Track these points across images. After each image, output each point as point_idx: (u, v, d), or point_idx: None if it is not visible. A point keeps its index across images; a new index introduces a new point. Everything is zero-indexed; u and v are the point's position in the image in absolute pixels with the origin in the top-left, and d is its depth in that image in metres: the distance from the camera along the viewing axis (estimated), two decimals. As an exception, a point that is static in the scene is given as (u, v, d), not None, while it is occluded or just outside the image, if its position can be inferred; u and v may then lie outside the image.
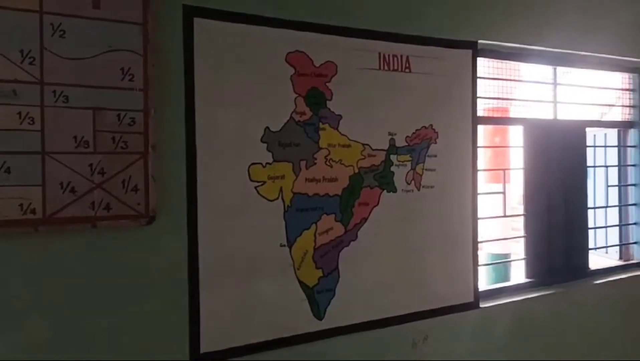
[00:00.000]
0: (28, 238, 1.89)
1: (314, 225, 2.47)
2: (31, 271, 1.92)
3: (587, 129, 3.67)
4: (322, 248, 2.50)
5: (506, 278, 4.60)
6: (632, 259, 3.95)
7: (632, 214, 3.96)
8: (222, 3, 2.25)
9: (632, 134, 3.95)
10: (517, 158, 4.08)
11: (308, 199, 2.46)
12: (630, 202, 3.96)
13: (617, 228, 3.95)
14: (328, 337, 2.53)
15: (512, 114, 3.53)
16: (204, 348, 2.23)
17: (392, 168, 2.68)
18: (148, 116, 2.04)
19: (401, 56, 2.69)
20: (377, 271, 2.66)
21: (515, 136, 4.26)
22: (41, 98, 1.88)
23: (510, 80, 3.31)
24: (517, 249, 3.93)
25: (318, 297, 2.50)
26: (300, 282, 2.45)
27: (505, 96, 3.31)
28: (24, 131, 1.85)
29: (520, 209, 3.50)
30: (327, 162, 2.50)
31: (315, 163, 2.47)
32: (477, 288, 3.01)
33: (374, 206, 2.64)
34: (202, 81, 2.21)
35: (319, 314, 2.51)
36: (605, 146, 3.96)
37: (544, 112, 3.51)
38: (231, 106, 2.27)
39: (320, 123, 2.48)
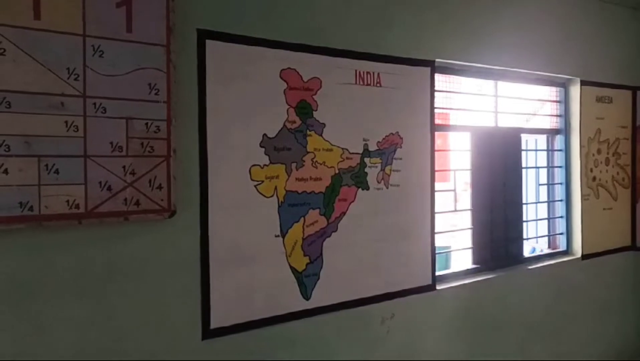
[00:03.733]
0: (74, 229, 2.19)
1: (302, 218, 2.87)
2: (76, 257, 2.23)
3: (522, 135, 4.25)
4: (309, 238, 2.91)
5: (447, 267, 5.14)
6: (558, 248, 4.57)
7: (558, 208, 4.59)
8: (229, 27, 2.62)
9: (558, 139, 4.58)
10: (456, 160, 4.64)
11: (298, 196, 2.85)
12: (557, 198, 4.58)
13: (547, 220, 4.57)
14: (314, 315, 2.93)
15: (457, 122, 4.04)
16: (214, 324, 2.59)
17: (366, 169, 3.12)
18: (170, 125, 2.38)
19: (374, 73, 3.14)
20: (353, 258, 3.09)
21: (456, 140, 4.83)
22: (84, 109, 2.18)
23: (461, 93, 3.82)
24: (455, 243, 4.47)
25: (306, 280, 2.90)
26: (291, 267, 2.85)
27: (450, 107, 3.81)
28: (69, 137, 2.15)
29: (459, 205, 4.00)
30: (313, 164, 2.90)
31: (303, 165, 2.87)
32: (434, 273, 3.50)
33: (351, 202, 3.07)
34: (212, 94, 2.56)
35: (306, 295, 2.91)
36: (536, 150, 4.56)
37: (486, 120, 4.05)
38: (236, 115, 2.64)
39: (308, 130, 2.88)
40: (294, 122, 2.84)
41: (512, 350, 3.96)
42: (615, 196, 4.80)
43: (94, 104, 2.20)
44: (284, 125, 2.80)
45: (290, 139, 2.82)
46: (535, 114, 4.56)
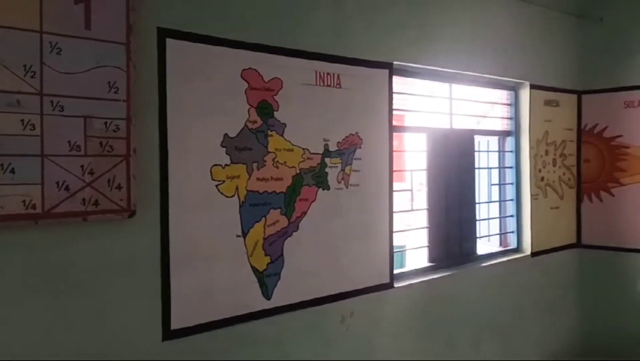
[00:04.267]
0: (30, 230, 2.14)
1: (263, 218, 2.88)
2: (33, 258, 2.17)
3: (475, 137, 4.38)
4: (270, 237, 2.92)
5: (402, 265, 5.24)
6: (509, 246, 4.73)
7: (509, 208, 4.75)
8: (190, 26, 2.60)
9: (509, 141, 4.74)
10: (410, 160, 4.74)
11: (259, 196, 2.86)
12: (507, 198, 4.74)
13: (498, 219, 4.72)
14: (275, 314, 2.94)
15: (413, 124, 4.14)
16: (174, 325, 2.56)
17: (327, 169, 3.15)
18: (130, 124, 2.34)
19: (334, 74, 3.17)
20: (314, 257, 3.11)
21: (411, 141, 4.93)
22: (41, 107, 2.13)
23: (418, 95, 3.91)
24: (409, 242, 4.56)
25: (267, 280, 2.91)
26: (252, 267, 2.85)
27: (407, 108, 3.90)
28: (26, 136, 2.09)
29: (414, 205, 4.08)
30: (274, 164, 2.92)
31: (264, 165, 2.88)
32: (393, 271, 3.56)
33: (312, 202, 3.09)
34: (173, 93, 2.54)
35: (267, 294, 2.91)
36: (488, 151, 4.71)
37: (442, 122, 4.16)
38: (197, 115, 2.62)
39: (269, 130, 2.89)
40: (255, 122, 2.84)
41: (467, 347, 4.07)
42: (562, 196, 5.00)
43: (52, 102, 2.15)
44: (245, 125, 2.80)
45: (251, 139, 2.83)
46: (487, 117, 4.70)
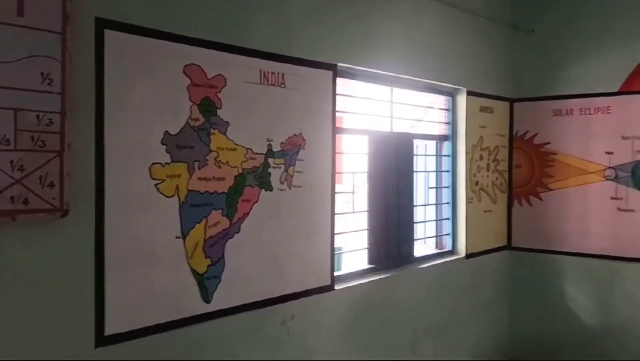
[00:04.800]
0: (-49, 230, 1.97)
1: (204, 219, 2.80)
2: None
3: (414, 140, 4.45)
4: (211, 239, 2.83)
5: (339, 268, 5.25)
6: (445, 248, 4.83)
7: (445, 211, 4.86)
8: (131, 18, 2.49)
9: (446, 145, 4.85)
10: (349, 162, 4.76)
11: (200, 196, 2.77)
12: (444, 201, 4.85)
13: (434, 222, 4.82)
14: (215, 318, 2.86)
15: (355, 126, 4.15)
16: (108, 331, 2.44)
17: (270, 170, 3.10)
18: (65, 118, 2.21)
19: (278, 73, 3.13)
20: (255, 260, 3.05)
21: (350, 143, 4.95)
22: (-35, 97, 1.97)
23: (360, 97, 3.93)
24: (347, 244, 4.57)
25: (207, 283, 2.82)
26: (192, 270, 2.76)
27: (349, 110, 3.91)
28: (-52, 128, 1.93)
29: (349, 207, 4.11)
30: (217, 164, 2.84)
31: (206, 164, 2.79)
32: (333, 273, 3.55)
33: (255, 203, 3.03)
34: (111, 87, 2.42)
35: (207, 298, 2.83)
36: (426, 155, 4.79)
37: (382, 125, 4.19)
38: (136, 110, 2.51)
39: (211, 129, 2.81)
40: (197, 119, 2.75)
41: (405, 349, 4.12)
42: (495, 200, 5.17)
43: (-22, 92, 2.00)
44: (187, 122, 2.71)
45: (193, 137, 2.74)
46: (426, 121, 4.78)
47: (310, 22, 3.34)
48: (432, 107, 4.75)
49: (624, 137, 4.78)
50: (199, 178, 2.77)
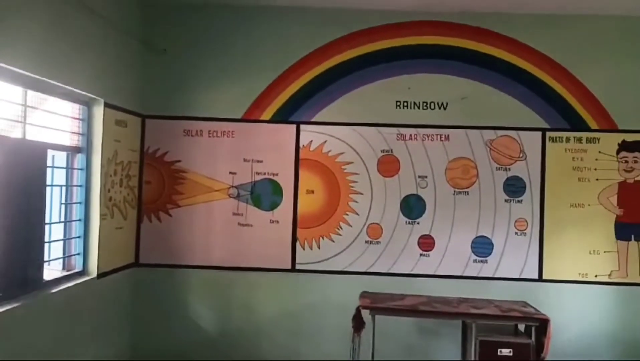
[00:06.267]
0: None
1: None
2: None
3: (49, 151, 3.99)
4: None
5: None
6: (74, 269, 4.45)
7: (76, 228, 4.49)
8: None
9: (79, 158, 4.50)
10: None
11: None
12: (75, 218, 4.47)
13: (62, 241, 4.38)
14: None
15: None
16: None
17: None
18: None
19: None
20: None
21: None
22: None
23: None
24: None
25: None
26: None
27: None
28: None
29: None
30: None
31: None
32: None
33: None
34: None
35: None
36: (56, 167, 4.31)
37: (14, 132, 3.62)
38: None
39: None
40: None
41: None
42: (126, 216, 5.06)
43: None
44: None
45: None
46: (58, 130, 4.33)
47: None
48: (66, 116, 4.34)
49: (245, 160, 5.35)
50: None
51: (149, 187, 5.36)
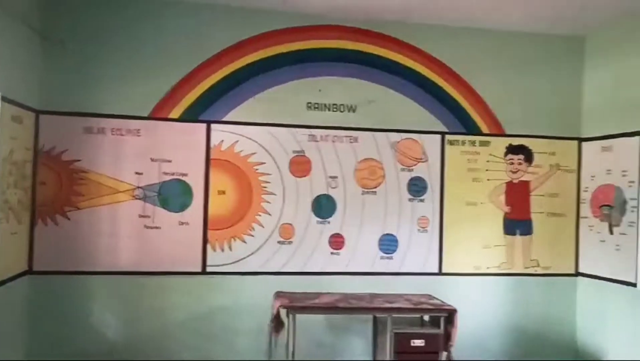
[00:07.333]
0: None
1: None
2: None
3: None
4: None
5: None
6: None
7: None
8: None
9: (-29, 157, 4.06)
10: None
11: None
12: (-34, 224, 4.03)
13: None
14: None
15: None
16: None
17: None
18: None
19: None
20: None
21: None
22: None
23: None
24: None
25: None
26: None
27: None
28: None
29: None
30: None
31: None
32: None
33: None
34: None
35: None
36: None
37: None
38: None
39: None
40: None
41: None
42: (20, 220, 4.64)
43: None
44: None
45: None
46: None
47: None
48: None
49: (152, 160, 5.13)
50: None
51: (45, 188, 4.94)
